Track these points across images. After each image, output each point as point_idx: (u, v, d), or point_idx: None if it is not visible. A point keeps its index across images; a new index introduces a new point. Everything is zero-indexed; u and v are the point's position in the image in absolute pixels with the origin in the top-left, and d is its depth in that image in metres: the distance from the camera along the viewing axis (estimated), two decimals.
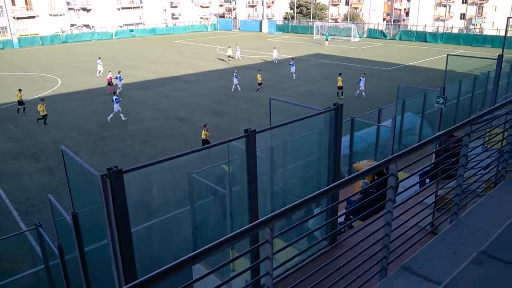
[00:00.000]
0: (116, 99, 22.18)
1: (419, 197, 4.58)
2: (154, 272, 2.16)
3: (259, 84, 28.25)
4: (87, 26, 75.36)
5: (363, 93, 26.19)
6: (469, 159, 4.33)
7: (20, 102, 24.00)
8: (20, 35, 62.97)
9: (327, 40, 55.14)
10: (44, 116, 21.84)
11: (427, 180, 7.29)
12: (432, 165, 6.29)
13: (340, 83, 26.39)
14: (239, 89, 28.90)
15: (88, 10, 76.69)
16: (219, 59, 43.65)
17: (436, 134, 4.12)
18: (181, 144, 18.87)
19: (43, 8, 69.96)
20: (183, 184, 6.67)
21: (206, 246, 2.35)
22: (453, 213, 4.15)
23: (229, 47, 42.56)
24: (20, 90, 24.45)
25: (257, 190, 4.65)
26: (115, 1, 76.83)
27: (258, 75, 28.44)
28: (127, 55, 47.62)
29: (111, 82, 28.93)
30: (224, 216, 6.19)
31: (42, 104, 21.97)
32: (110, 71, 30.22)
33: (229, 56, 41.08)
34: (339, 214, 7.34)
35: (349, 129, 13.46)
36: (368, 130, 15.17)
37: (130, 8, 78.98)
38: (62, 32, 67.86)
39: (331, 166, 5.51)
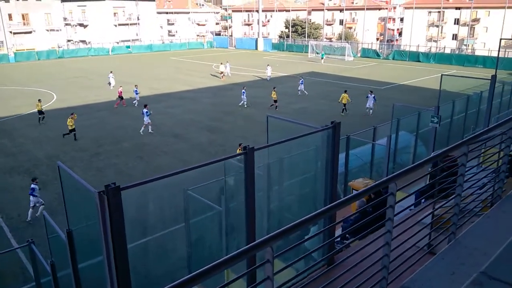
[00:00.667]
0: (146, 112, 22.81)
1: (416, 217, 4.57)
2: None
3: (275, 101, 28.23)
4: (83, 41, 75.79)
5: (370, 111, 26.42)
6: (466, 178, 4.34)
7: (40, 112, 25.19)
8: (16, 50, 63.11)
9: (322, 58, 56.06)
10: (72, 131, 21.70)
11: (423, 201, 7.30)
12: (428, 185, 6.30)
13: (345, 100, 26.72)
14: (246, 106, 29.11)
15: (85, 26, 77.23)
16: (212, 75, 44.22)
17: (435, 154, 4.14)
18: (175, 161, 18.80)
19: (40, 24, 70.36)
20: (179, 201, 6.63)
21: (204, 268, 2.28)
22: (451, 232, 4.15)
23: (221, 63, 43.36)
24: (40, 100, 25.83)
25: (254, 207, 4.63)
26: (112, 17, 77.50)
27: (273, 93, 28.46)
28: (123, 71, 47.74)
29: (122, 96, 29.42)
30: (220, 234, 6.14)
31: (72, 118, 21.77)
32: (121, 86, 30.82)
33: (221, 73, 41.90)
34: (336, 232, 7.30)
35: (344, 147, 13.50)
36: (363, 148, 15.24)
37: (127, 24, 79.62)
38: (59, 47, 68.10)
39: (328, 184, 5.51)
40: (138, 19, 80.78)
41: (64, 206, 4.56)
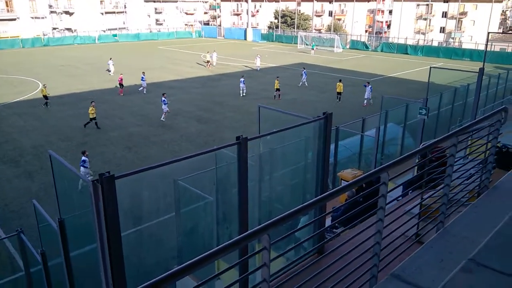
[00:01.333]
0: (164, 100, 23.13)
1: (405, 207, 4.66)
2: (145, 285, 2.06)
3: (277, 89, 28.52)
4: (69, 29, 74.42)
5: (370, 101, 26.84)
6: (454, 169, 4.43)
7: (45, 97, 25.85)
8: (0, 37, 61.72)
9: (313, 49, 56.56)
10: (92, 119, 21.56)
11: (410, 191, 7.41)
12: (417, 176, 6.41)
13: (340, 89, 27.91)
14: (244, 94, 29.49)
15: (71, 14, 75.79)
16: (199, 64, 44.34)
17: (426, 144, 4.21)
18: (164, 151, 18.71)
19: (25, 11, 68.81)
20: (170, 191, 6.63)
21: (202, 255, 2.27)
22: (440, 221, 4.24)
23: (207, 52, 44.04)
24: (45, 85, 26.70)
25: (247, 197, 4.66)
26: (98, 5, 76.19)
27: (276, 82, 28.60)
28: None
29: (122, 83, 29.69)
30: (212, 224, 6.16)
31: (93, 106, 21.63)
32: (121, 74, 31.03)
33: (207, 62, 42.57)
34: (326, 222, 7.39)
35: (333, 138, 13.61)
36: (352, 139, 15.37)
37: (114, 12, 78.42)
38: (44, 35, 66.79)
39: (320, 174, 5.57)
40: (125, 7, 79.59)
41: (56, 195, 4.53)
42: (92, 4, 75.08)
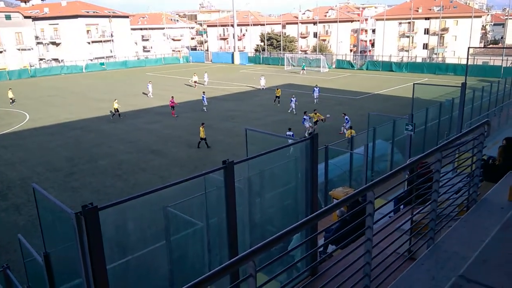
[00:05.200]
0: (305, 118, 25.01)
1: (395, 224, 4.64)
2: None
3: (322, 120, 26.49)
4: (56, 60, 74.65)
5: (345, 130, 26.77)
6: (441, 184, 4.44)
7: (116, 110, 30.22)
8: None
9: (303, 69, 57.89)
10: (203, 139, 22.68)
11: (402, 207, 7.41)
12: (406, 191, 6.41)
13: (278, 93, 33.33)
14: (295, 112, 30.59)
15: (58, 44, 76.17)
16: (186, 84, 46.37)
17: (410, 161, 4.23)
18: (154, 178, 18.56)
19: (11, 43, 69.03)
20: (159, 218, 6.53)
21: (188, 285, 2.24)
22: (430, 238, 4.22)
23: (194, 74, 47.85)
24: (115, 100, 31.39)
25: (236, 222, 4.61)
26: (85, 35, 76.69)
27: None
28: (97, 88, 47.21)
29: (174, 106, 31.56)
30: (202, 250, 6.06)
31: (203, 127, 22.75)
32: (172, 96, 32.55)
33: (195, 82, 45.43)
34: (318, 242, 7.32)
35: (323, 157, 13.64)
36: (342, 157, 15.43)
37: (101, 41, 78.94)
38: (31, 66, 66.84)
39: (309, 195, 5.54)
40: (112, 36, 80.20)
41: (40, 229, 4.43)
42: (78, 34, 75.56)
